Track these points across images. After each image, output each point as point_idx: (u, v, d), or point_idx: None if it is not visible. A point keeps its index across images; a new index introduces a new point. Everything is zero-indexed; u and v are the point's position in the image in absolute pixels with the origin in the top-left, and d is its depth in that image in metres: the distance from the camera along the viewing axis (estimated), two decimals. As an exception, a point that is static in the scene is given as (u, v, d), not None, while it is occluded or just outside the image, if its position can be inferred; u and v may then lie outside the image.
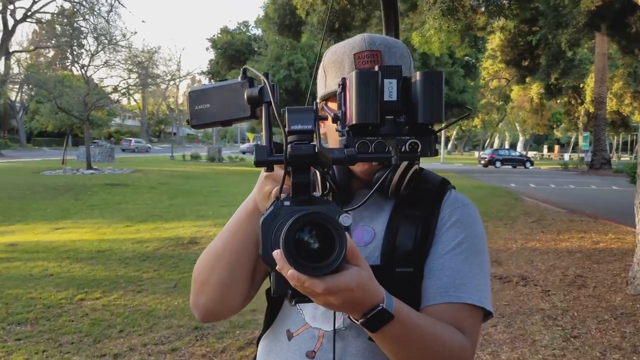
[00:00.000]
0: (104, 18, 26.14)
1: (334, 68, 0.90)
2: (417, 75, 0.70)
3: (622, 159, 38.06)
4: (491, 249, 6.46)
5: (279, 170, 0.73)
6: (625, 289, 4.53)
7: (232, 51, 28.97)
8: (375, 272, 0.68)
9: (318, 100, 0.94)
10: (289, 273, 0.61)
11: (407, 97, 0.72)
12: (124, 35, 24.87)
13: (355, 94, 0.69)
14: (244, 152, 48.76)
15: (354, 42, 0.89)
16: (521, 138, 60.06)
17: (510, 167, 33.83)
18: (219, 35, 30.93)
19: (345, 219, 0.65)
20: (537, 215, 9.79)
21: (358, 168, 0.89)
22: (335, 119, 0.75)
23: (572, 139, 55.07)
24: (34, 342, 3.34)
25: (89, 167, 18.57)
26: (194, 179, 17.25)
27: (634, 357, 3.19)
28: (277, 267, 0.63)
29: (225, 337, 3.46)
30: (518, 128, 55.20)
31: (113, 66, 22.59)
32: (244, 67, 0.81)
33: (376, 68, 0.71)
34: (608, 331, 3.66)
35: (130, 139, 46.85)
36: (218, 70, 29.63)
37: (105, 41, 21.38)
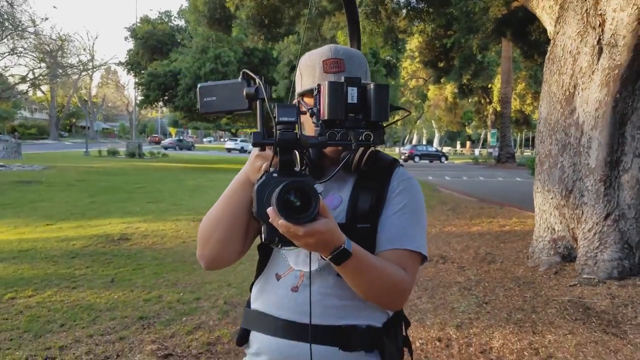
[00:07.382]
0: (7, 1, 23.94)
1: (308, 71, 1.15)
2: (371, 85, 1.02)
3: (524, 153, 41.70)
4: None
5: (268, 151, 1.01)
6: (526, 262, 5.25)
7: (153, 42, 27.62)
8: (342, 228, 0.94)
9: (297, 96, 1.20)
10: (280, 222, 0.84)
11: (364, 100, 1.02)
12: (34, 22, 22.81)
13: (327, 98, 0.99)
14: (166, 148, 45.62)
15: (323, 51, 1.15)
16: (437, 135, 63.64)
17: (427, 161, 35.91)
18: (139, 24, 29.33)
19: (317, 187, 0.89)
20: (452, 204, 10.68)
21: (329, 150, 1.14)
22: (311, 114, 1.04)
23: (482, 136, 59.19)
24: (-35, 344, 3.15)
25: (-7, 163, 17.02)
26: (113, 175, 16.49)
27: (533, 316, 3.78)
28: (269, 220, 0.87)
29: (173, 324, 3.54)
30: (434, 125, 58.46)
31: (20, 54, 20.81)
32: (243, 70, 1.07)
33: (342, 78, 1.00)
34: (513, 297, 4.26)
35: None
36: (138, 61, 28.05)
37: (10, 27, 19.67)
